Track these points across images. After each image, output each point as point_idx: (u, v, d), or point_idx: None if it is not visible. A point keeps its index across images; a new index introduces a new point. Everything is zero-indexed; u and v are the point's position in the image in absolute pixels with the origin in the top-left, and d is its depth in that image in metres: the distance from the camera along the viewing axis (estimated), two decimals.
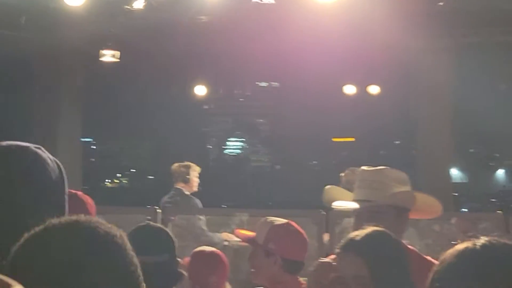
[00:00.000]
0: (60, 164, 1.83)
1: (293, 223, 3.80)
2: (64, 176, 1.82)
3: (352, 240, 2.71)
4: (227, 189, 39.82)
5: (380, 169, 3.40)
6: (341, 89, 12.60)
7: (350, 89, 12.54)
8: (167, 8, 8.46)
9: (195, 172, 8.80)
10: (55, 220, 1.45)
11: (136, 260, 1.47)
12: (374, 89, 12.45)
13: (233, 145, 58.25)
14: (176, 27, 9.47)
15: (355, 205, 3.31)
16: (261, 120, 57.24)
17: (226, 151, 57.50)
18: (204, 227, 7.98)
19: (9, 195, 1.71)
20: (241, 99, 52.93)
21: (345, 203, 3.41)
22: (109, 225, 1.47)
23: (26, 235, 1.44)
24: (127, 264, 1.44)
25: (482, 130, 41.90)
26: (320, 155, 50.54)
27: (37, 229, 1.45)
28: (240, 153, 57.86)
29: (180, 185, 8.71)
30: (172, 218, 6.77)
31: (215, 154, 55.59)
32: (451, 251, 1.94)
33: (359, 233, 2.72)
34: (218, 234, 7.96)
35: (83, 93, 10.67)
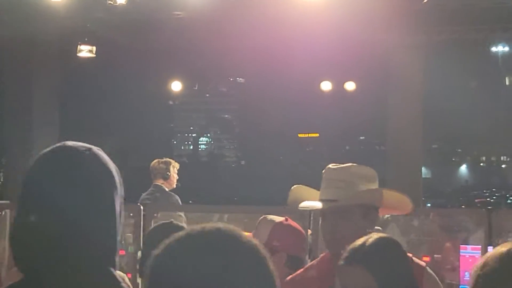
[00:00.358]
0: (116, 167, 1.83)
1: (291, 220, 3.83)
2: (121, 180, 1.81)
3: (358, 251, 2.48)
4: (194, 185, 39.72)
5: (347, 166, 3.26)
6: (317, 86, 12.63)
7: (326, 86, 12.60)
8: (149, 4, 8.40)
9: (174, 168, 8.69)
10: (196, 227, 1.41)
11: (273, 270, 1.43)
12: (350, 86, 12.55)
13: (199, 141, 58.14)
14: (153, 23, 9.42)
15: (320, 205, 3.18)
16: (227, 116, 57.20)
17: (192, 147, 57.37)
18: (185, 224, 7.93)
19: (77, 200, 1.69)
20: (207, 95, 52.76)
21: (311, 203, 3.26)
22: (246, 234, 1.43)
23: (166, 241, 1.41)
24: (269, 275, 1.40)
25: (445, 126, 42.41)
26: (287, 150, 50.68)
27: (177, 236, 1.41)
28: (205, 148, 57.81)
29: (159, 182, 8.61)
30: (155, 215, 6.71)
31: (180, 150, 55.43)
32: (492, 254, 1.93)
33: (364, 243, 2.50)
34: None
35: (60, 90, 10.52)
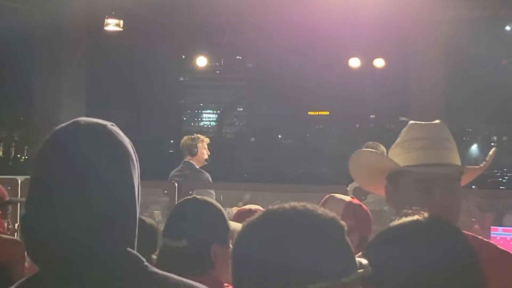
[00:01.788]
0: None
1: (356, 199, 3.72)
2: (137, 157, 1.69)
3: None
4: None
5: (441, 122, 2.52)
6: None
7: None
8: None
9: (203, 143, 8.54)
10: (273, 208, 1.45)
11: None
12: (374, 63, 12.42)
13: (208, 117, 58.10)
14: None
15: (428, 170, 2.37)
16: (237, 93, 56.97)
17: (202, 123, 57.33)
18: (209, 198, 7.81)
19: (93, 179, 1.56)
20: (217, 72, 52.55)
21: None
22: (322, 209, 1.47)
23: (245, 223, 1.44)
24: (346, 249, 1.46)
25: (456, 104, 42.21)
26: (296, 128, 50.60)
27: (255, 218, 1.43)
28: (215, 125, 57.75)
29: (188, 158, 8.51)
30: (190, 192, 6.62)
31: (190, 126, 55.38)
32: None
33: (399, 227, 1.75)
34: (229, 209, 7.85)
35: (87, 65, 10.40)
